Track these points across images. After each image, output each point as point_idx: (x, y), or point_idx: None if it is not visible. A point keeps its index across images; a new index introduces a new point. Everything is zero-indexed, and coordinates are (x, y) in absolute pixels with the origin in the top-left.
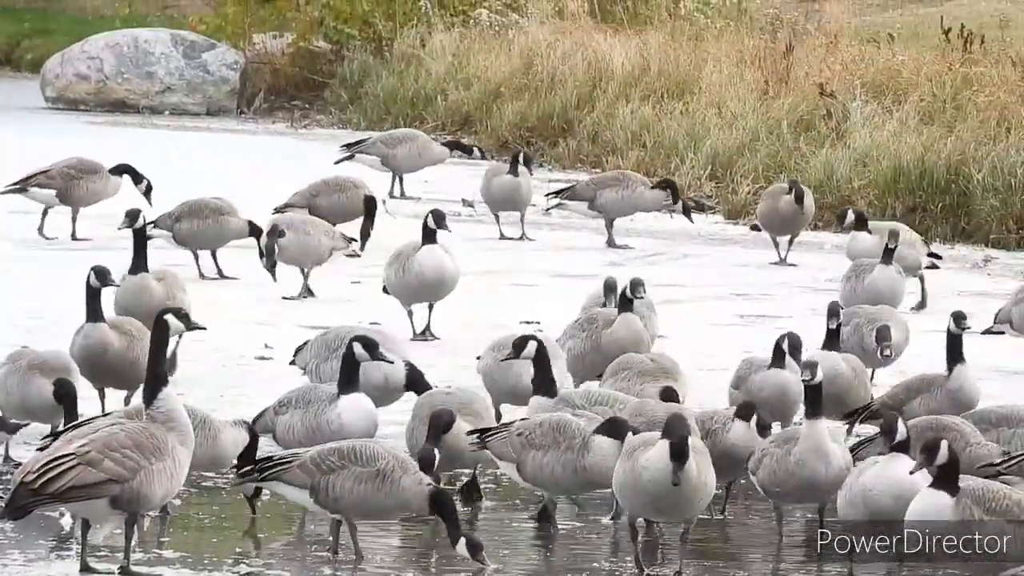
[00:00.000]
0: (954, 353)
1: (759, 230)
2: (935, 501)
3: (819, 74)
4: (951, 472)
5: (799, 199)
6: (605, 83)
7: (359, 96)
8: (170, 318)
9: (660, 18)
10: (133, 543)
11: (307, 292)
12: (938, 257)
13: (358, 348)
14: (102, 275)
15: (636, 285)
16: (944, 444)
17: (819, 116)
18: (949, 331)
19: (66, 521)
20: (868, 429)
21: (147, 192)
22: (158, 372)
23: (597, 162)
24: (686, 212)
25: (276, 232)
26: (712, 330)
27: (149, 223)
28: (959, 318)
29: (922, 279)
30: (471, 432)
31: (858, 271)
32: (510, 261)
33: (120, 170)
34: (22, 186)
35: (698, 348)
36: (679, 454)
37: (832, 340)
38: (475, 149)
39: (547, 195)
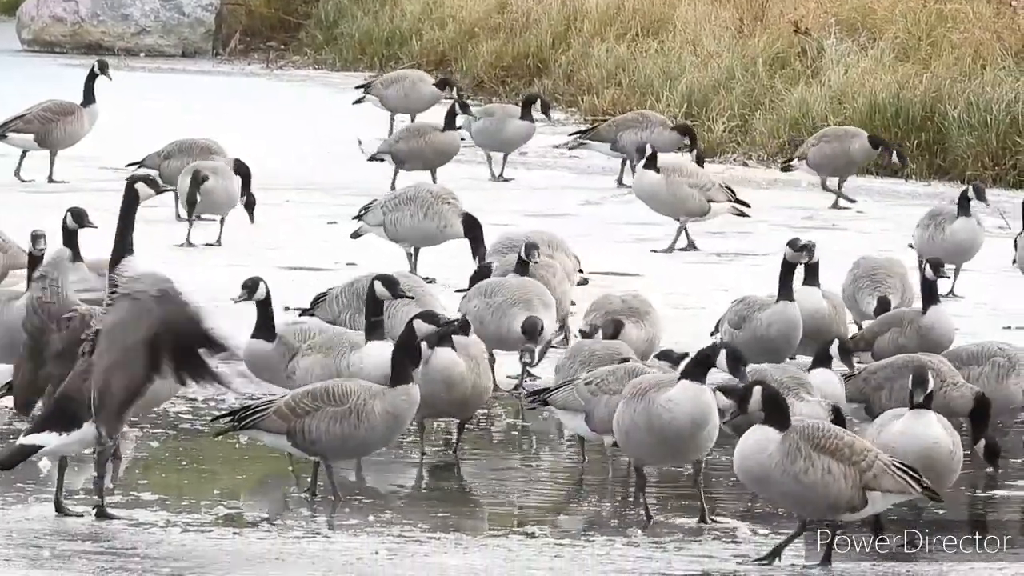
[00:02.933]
0: (930, 296)
1: (791, 169)
2: (761, 436)
3: (794, 12)
4: (776, 410)
5: (881, 147)
6: (580, 22)
7: (334, 37)
8: (140, 186)
9: None
10: (109, 484)
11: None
12: (747, 205)
13: (380, 288)
14: (79, 217)
15: (530, 248)
16: (757, 390)
17: (794, 54)
18: (925, 277)
19: (44, 464)
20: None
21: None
22: (125, 240)
23: (573, 101)
24: (699, 160)
25: (200, 179)
26: (688, 268)
27: (136, 163)
28: (936, 266)
29: (684, 228)
30: (530, 395)
31: (937, 220)
32: (488, 200)
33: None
34: (0, 132)
35: (674, 287)
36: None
37: (811, 276)
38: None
39: (570, 135)
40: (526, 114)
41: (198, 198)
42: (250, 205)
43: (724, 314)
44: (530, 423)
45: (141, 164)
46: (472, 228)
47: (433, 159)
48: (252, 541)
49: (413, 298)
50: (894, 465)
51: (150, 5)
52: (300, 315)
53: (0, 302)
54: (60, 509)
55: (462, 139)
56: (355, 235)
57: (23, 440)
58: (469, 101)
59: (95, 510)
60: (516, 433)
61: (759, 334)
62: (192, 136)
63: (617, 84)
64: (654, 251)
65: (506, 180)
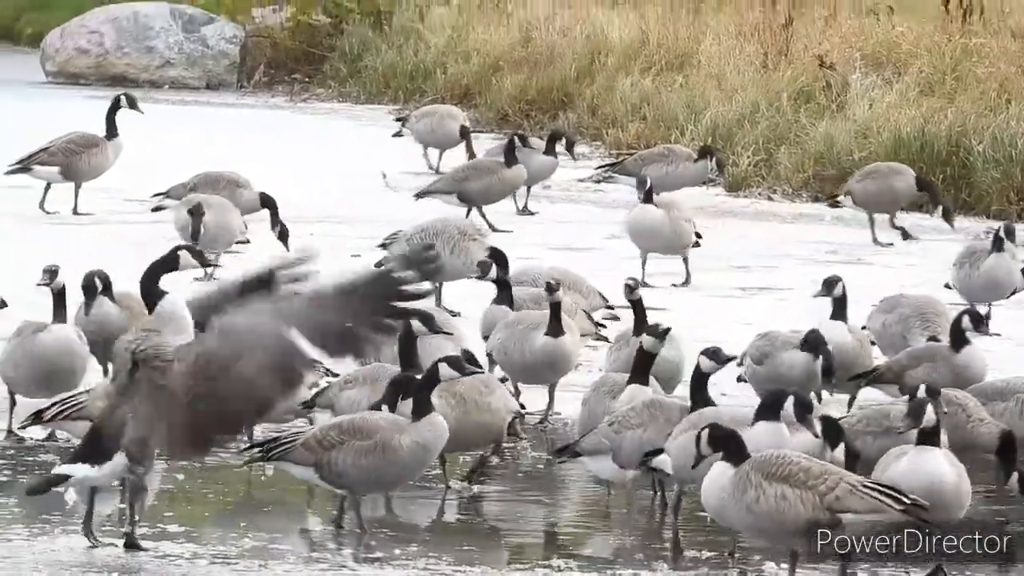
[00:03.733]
0: (961, 336)
1: (838, 205)
2: (718, 471)
3: (818, 46)
4: (728, 447)
5: (930, 190)
6: (604, 56)
7: (358, 70)
8: (183, 253)
9: None
10: (137, 516)
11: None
12: (699, 236)
13: (415, 323)
14: (98, 282)
15: (481, 265)
16: (704, 433)
17: (819, 88)
18: (960, 324)
19: (70, 496)
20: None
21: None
22: (154, 290)
23: (597, 135)
24: (720, 167)
25: (200, 212)
26: (712, 302)
27: (161, 193)
28: (978, 321)
29: (686, 259)
30: (558, 451)
31: (972, 258)
32: (512, 234)
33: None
34: (25, 165)
35: (697, 320)
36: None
37: (838, 311)
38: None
39: (598, 167)
40: (550, 149)
41: (202, 230)
42: (284, 235)
43: (747, 348)
44: (556, 460)
45: (166, 195)
46: (498, 263)
47: (502, 194)
48: (278, 574)
49: (452, 334)
50: (864, 485)
51: (174, 37)
52: None
53: (26, 335)
54: (89, 538)
55: None
56: (379, 265)
57: (55, 470)
58: (492, 135)
59: (124, 539)
60: (541, 466)
61: (780, 372)
62: (216, 168)
63: (642, 118)
64: (674, 285)
65: (531, 213)
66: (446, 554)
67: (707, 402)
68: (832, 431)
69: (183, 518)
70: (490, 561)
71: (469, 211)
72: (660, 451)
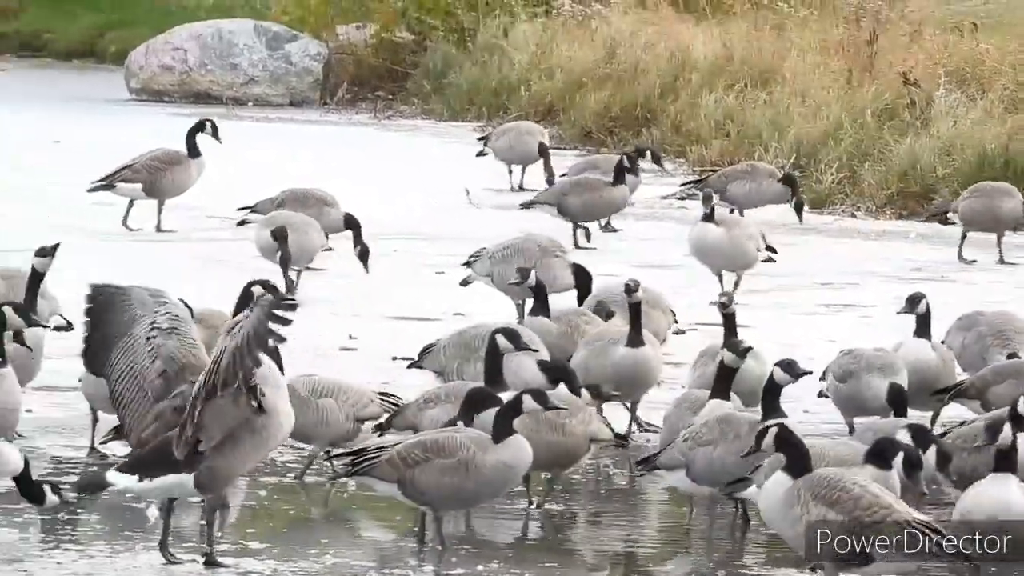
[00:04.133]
0: None
1: (946, 223)
2: (776, 480)
3: (903, 63)
4: (790, 455)
5: None
6: (688, 72)
7: (442, 87)
8: (257, 288)
9: (742, 7)
10: (218, 533)
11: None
12: (774, 251)
13: (502, 340)
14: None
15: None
16: (772, 431)
17: (903, 105)
18: None
19: (151, 512)
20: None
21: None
22: None
23: (681, 152)
24: (798, 209)
25: (284, 236)
26: (796, 319)
27: (247, 207)
28: None
29: (739, 277)
30: (639, 463)
31: None
32: (595, 251)
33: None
34: (109, 182)
35: (781, 337)
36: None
37: (922, 328)
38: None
39: (682, 184)
40: (634, 168)
41: (290, 254)
42: (364, 255)
43: (830, 364)
44: (636, 472)
45: (253, 209)
46: (582, 280)
47: (604, 212)
48: None
49: (537, 351)
50: (914, 523)
51: (258, 55)
52: (408, 366)
53: None
54: (164, 555)
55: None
56: (464, 283)
57: (107, 473)
58: (576, 152)
59: (204, 558)
60: (623, 483)
61: (863, 395)
62: (301, 185)
63: (725, 135)
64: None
65: (614, 231)
66: (528, 571)
67: (778, 412)
68: (921, 436)
69: (264, 534)
70: None
71: (575, 227)
72: (747, 480)
